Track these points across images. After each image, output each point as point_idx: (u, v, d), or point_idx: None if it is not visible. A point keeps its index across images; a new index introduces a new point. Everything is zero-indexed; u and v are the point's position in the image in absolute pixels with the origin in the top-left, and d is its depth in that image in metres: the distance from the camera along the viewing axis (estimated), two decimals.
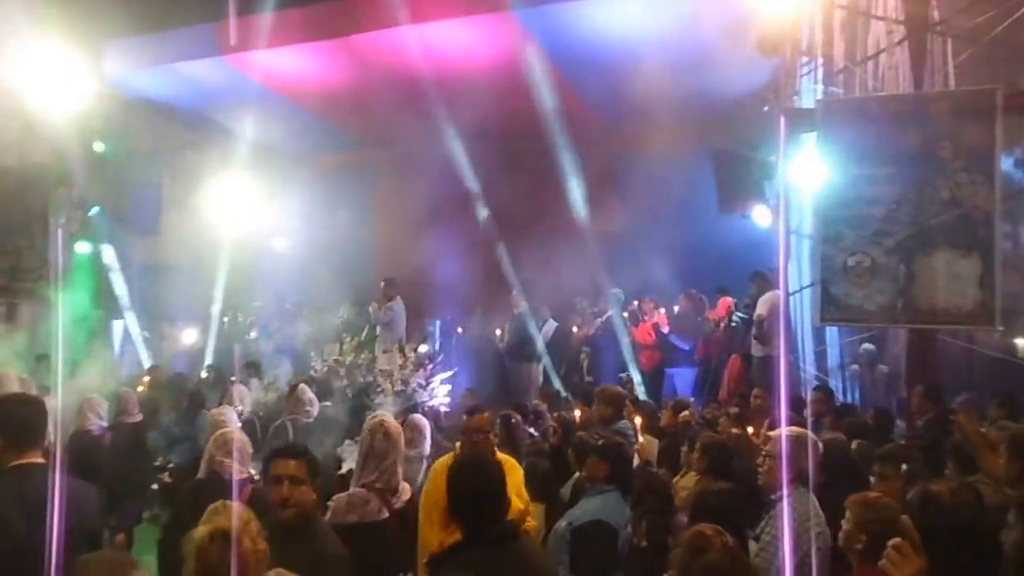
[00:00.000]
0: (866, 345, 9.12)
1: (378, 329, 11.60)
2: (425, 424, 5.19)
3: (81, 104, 11.01)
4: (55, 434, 5.23)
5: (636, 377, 10.35)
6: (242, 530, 2.63)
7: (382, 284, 11.97)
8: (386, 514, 3.91)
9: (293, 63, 12.08)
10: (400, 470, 4.13)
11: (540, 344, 11.66)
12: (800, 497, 4.03)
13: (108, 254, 12.64)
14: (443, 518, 4.24)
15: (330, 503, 4.11)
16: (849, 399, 8.51)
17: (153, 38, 12.04)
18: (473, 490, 3.11)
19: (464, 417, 4.81)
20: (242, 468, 4.16)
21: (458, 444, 4.66)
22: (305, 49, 11.75)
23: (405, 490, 4.14)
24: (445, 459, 4.55)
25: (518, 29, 10.69)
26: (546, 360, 11.87)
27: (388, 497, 3.96)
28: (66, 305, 10.71)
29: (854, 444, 5.42)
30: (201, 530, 2.67)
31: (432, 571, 3.19)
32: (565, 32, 10.55)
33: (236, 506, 2.85)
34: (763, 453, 4.26)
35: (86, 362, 9.77)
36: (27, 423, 3.32)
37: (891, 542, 2.17)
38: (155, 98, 13.06)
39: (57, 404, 6.42)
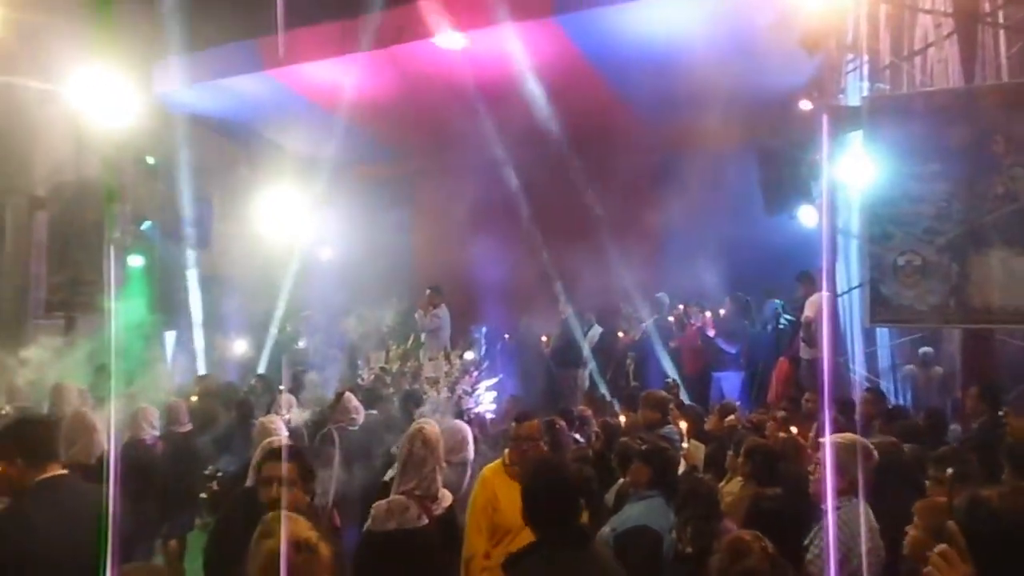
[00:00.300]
0: (924, 348, 8.90)
1: (423, 336, 11.67)
2: (467, 430, 5.19)
3: (133, 121, 11.30)
4: (108, 443, 5.38)
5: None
6: (319, 538, 2.63)
7: (428, 292, 12.05)
8: (425, 521, 3.91)
9: (336, 76, 12.24)
10: (440, 477, 4.12)
11: (586, 349, 11.62)
12: (851, 509, 3.92)
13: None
14: (492, 526, 4.23)
15: (371, 510, 4.14)
16: (901, 401, 8.32)
17: (200, 55, 12.33)
18: (550, 492, 3.14)
19: (512, 424, 4.79)
20: None
21: (506, 452, 4.63)
22: (347, 61, 11.89)
23: (445, 497, 4.13)
24: (492, 466, 4.55)
25: (559, 35, 10.70)
26: (592, 365, 11.83)
27: (428, 504, 3.96)
28: (121, 317, 10.97)
29: (906, 448, 5.30)
30: (273, 542, 2.64)
31: (506, 571, 3.19)
32: (607, 36, 10.53)
33: (299, 517, 2.84)
34: (814, 462, 4.15)
35: (141, 372, 10.01)
36: (42, 440, 3.45)
37: (936, 548, 2.11)
38: (204, 113, 13.36)
39: (111, 414, 6.58)
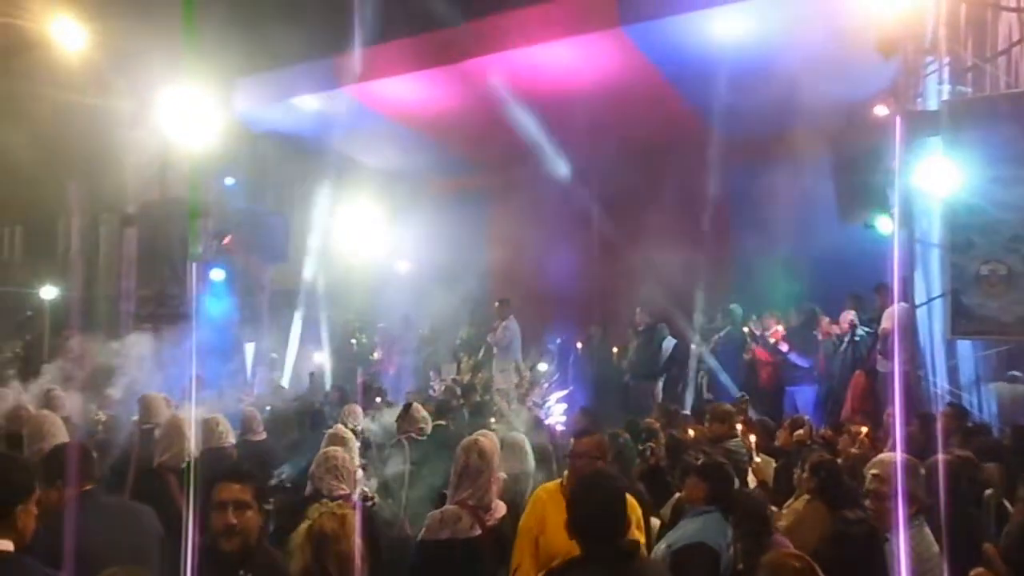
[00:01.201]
0: (1012, 372, 8.45)
1: (495, 349, 11.73)
2: (524, 441, 5.22)
3: (215, 140, 11.72)
4: (190, 451, 5.58)
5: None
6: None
7: (496, 304, 12.12)
8: (479, 531, 3.93)
9: (410, 91, 12.45)
10: (494, 488, 4.14)
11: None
12: (915, 531, 3.73)
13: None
14: (537, 550, 3.96)
15: (426, 519, 4.19)
16: (986, 418, 7.94)
17: (277, 75, 12.70)
18: (592, 507, 3.10)
19: (571, 440, 4.65)
20: (341, 485, 4.30)
21: (565, 472, 4.41)
22: (419, 77, 12.09)
23: (499, 507, 4.15)
24: (549, 486, 4.36)
25: (628, 46, 10.64)
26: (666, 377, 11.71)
27: (481, 514, 3.98)
28: (203, 329, 11.37)
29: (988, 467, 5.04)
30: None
31: None
32: (675, 46, 10.43)
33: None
34: (865, 490, 3.95)
35: (223, 383, 10.35)
36: (82, 462, 3.67)
37: (973, 572, 2.00)
38: (282, 130, 13.74)
39: (192, 422, 6.79)
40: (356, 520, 2.74)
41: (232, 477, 3.14)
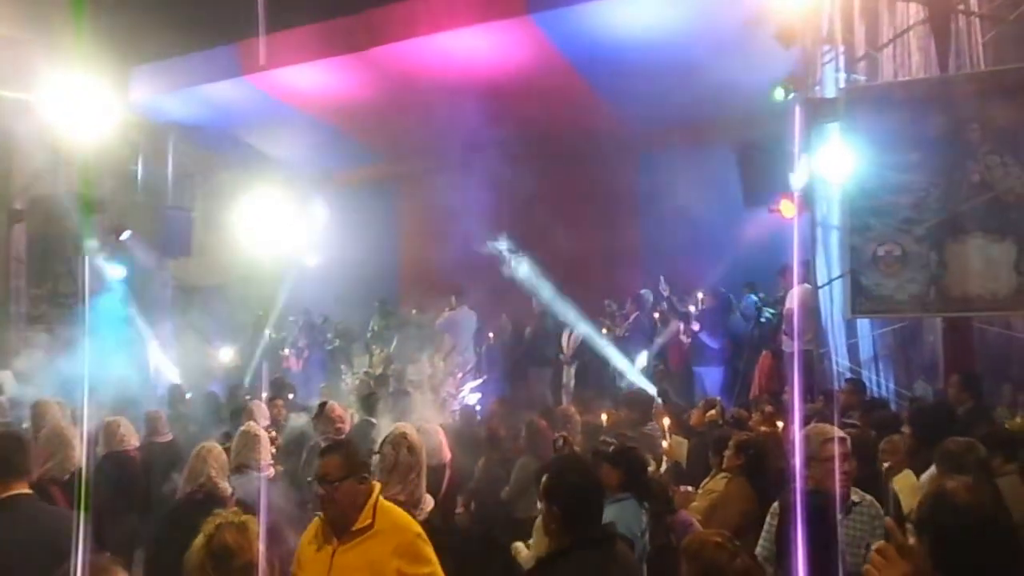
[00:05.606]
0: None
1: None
2: (439, 431, 5.16)
3: (111, 131, 11.19)
4: (84, 455, 5.30)
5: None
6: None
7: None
8: None
9: (315, 80, 12.19)
10: (424, 482, 4.08)
11: (567, 348, 11.63)
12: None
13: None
14: None
15: None
16: (884, 392, 8.31)
17: (177, 62, 12.24)
18: (579, 491, 3.10)
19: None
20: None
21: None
22: (326, 65, 11.84)
23: (428, 502, 4.09)
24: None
25: (536, 34, 10.65)
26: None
27: (412, 510, 3.87)
28: (101, 328, 10.87)
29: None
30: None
31: (542, 573, 3.13)
32: (583, 34, 10.49)
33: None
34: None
35: (121, 383, 9.91)
36: (6, 458, 3.33)
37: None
38: (183, 121, 13.26)
39: (85, 427, 6.48)
40: (257, 525, 2.62)
41: None
